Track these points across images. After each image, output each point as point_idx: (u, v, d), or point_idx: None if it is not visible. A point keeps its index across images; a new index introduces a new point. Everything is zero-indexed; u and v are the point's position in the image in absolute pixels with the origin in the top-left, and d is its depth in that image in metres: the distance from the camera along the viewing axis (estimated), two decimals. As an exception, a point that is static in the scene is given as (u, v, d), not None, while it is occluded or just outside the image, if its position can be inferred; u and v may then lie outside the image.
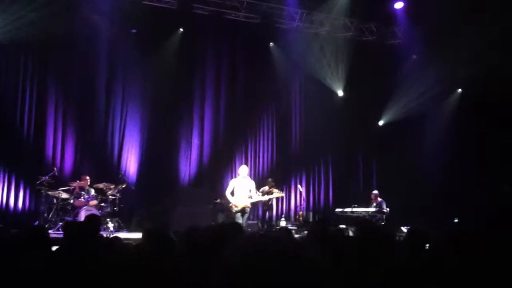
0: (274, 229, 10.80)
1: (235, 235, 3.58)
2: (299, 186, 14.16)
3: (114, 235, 9.68)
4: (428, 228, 5.79)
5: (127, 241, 5.98)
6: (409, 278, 3.42)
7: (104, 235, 6.51)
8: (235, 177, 10.97)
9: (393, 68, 14.86)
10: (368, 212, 11.96)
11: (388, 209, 12.15)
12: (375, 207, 12.21)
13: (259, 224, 11.97)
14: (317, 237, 5.17)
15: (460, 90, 15.44)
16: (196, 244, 3.92)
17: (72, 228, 4.94)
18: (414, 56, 15.09)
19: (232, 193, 10.31)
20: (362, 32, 14.80)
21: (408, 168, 14.34)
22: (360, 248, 3.99)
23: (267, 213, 12.24)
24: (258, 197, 10.61)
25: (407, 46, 14.85)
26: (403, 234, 9.52)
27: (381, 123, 15.67)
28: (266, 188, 11.60)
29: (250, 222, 11.31)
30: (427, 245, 4.64)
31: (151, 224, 11.58)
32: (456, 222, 11.42)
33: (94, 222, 5.16)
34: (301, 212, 13.49)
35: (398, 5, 14.11)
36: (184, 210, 11.59)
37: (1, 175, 11.79)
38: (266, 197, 11.13)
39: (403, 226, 10.51)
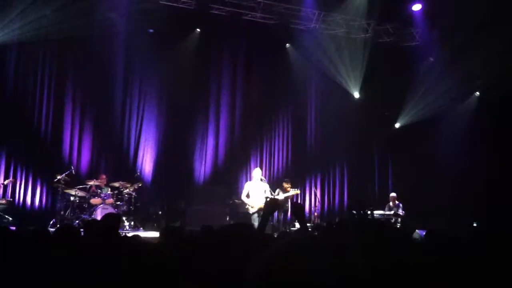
0: (289, 230, 10.75)
1: (248, 236, 3.58)
2: (314, 189, 14.13)
3: (132, 233, 9.78)
4: (446, 231, 5.76)
5: (147, 239, 6.01)
6: (428, 279, 3.39)
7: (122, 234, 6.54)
8: (250, 177, 10.96)
9: (410, 70, 14.77)
10: (383, 215, 11.90)
11: (404, 212, 12.07)
12: (392, 209, 12.15)
13: (274, 226, 11.93)
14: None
15: (477, 93, 15.30)
16: (211, 243, 3.92)
17: (93, 227, 4.98)
18: (431, 58, 14.97)
19: (248, 196, 10.32)
20: (379, 33, 14.71)
21: (424, 171, 14.24)
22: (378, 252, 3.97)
23: (282, 215, 12.21)
24: (274, 196, 10.59)
25: (425, 48, 14.73)
26: (419, 237, 9.46)
27: (397, 125, 15.58)
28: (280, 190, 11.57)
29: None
30: (445, 247, 4.60)
31: (167, 223, 11.69)
32: (475, 226, 11.30)
33: (114, 220, 5.17)
34: (316, 214, 13.43)
35: (416, 7, 14.01)
36: (198, 209, 11.64)
37: (19, 173, 11.91)
38: (282, 196, 11.09)
39: (419, 229, 10.41)
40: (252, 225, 8.01)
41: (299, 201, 14.40)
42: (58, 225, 9.37)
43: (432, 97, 14.46)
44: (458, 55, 13.58)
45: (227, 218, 11.88)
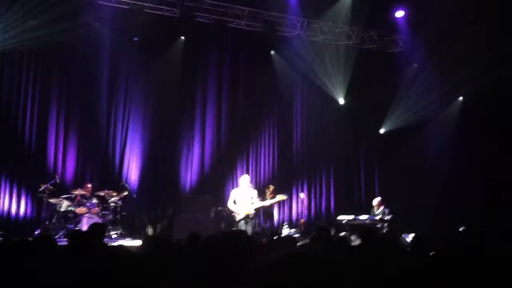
0: (277, 237, 10.72)
1: (243, 245, 3.57)
2: (300, 193, 14.14)
3: (117, 243, 9.71)
4: (432, 236, 5.81)
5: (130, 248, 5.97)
6: (413, 284, 3.42)
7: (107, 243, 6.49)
8: (237, 185, 10.93)
9: (394, 76, 14.93)
10: (369, 219, 11.93)
11: (390, 216, 12.12)
12: (377, 214, 12.18)
13: (261, 233, 11.88)
14: (321, 244, 5.17)
15: (461, 98, 15.47)
16: (199, 252, 3.92)
17: (77, 236, 4.94)
18: (415, 64, 15.14)
19: (235, 203, 10.27)
20: (363, 40, 14.85)
21: (410, 176, 14.35)
22: (364, 256, 4.00)
23: (268, 222, 12.19)
24: (260, 202, 10.54)
25: (408, 54, 14.92)
26: (405, 242, 9.51)
27: (382, 130, 15.69)
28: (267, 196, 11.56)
29: (255, 229, 11.25)
30: (432, 252, 4.64)
31: (153, 232, 11.63)
32: (462, 230, 11.39)
33: (99, 230, 5.15)
34: (302, 220, 13.44)
35: (399, 14, 14.19)
36: (185, 218, 11.59)
37: (3, 183, 11.77)
38: (268, 202, 11.06)
39: (406, 233, 10.48)
40: (244, 231, 8.00)
41: (285, 207, 14.44)
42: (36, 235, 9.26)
43: (417, 103, 14.60)
44: (442, 61, 13.74)
45: (214, 226, 11.83)
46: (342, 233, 11.44)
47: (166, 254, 3.66)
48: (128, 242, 10.36)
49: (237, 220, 10.11)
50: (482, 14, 11.90)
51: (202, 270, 3.24)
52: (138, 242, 10.04)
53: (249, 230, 10.05)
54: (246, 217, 10.04)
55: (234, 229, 9.30)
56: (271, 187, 11.84)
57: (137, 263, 3.14)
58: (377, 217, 12.00)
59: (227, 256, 3.16)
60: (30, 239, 6.50)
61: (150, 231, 11.84)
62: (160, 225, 12.62)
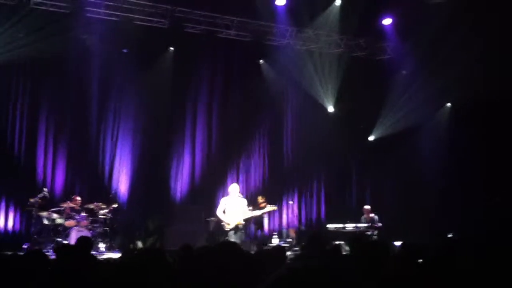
0: (266, 247, 10.69)
1: (235, 258, 3.55)
2: (290, 201, 14.14)
3: (106, 255, 9.63)
4: (421, 242, 5.79)
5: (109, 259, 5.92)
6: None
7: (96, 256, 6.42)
8: (227, 194, 10.90)
9: (383, 83, 14.99)
10: (359, 227, 11.93)
11: (380, 224, 12.14)
12: (367, 222, 12.20)
13: (251, 242, 11.85)
14: (313, 253, 5.15)
15: (449, 104, 15.56)
16: (190, 265, 3.88)
17: (64, 251, 4.89)
18: (404, 71, 15.21)
19: (224, 212, 10.22)
20: (352, 48, 14.91)
21: (400, 182, 14.38)
22: (356, 264, 3.98)
23: (259, 231, 12.17)
24: (250, 212, 10.52)
25: (397, 61, 14.99)
26: (395, 249, 9.50)
27: (371, 138, 15.73)
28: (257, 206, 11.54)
29: (243, 240, 11.21)
30: (420, 260, 4.63)
31: (144, 244, 11.55)
32: (450, 236, 11.40)
33: (85, 243, 5.11)
34: (293, 229, 13.43)
35: (387, 21, 14.27)
36: (177, 229, 11.53)
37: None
38: (258, 212, 11.04)
39: (396, 240, 10.47)
40: (235, 243, 7.96)
41: (275, 217, 14.40)
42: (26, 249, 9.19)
43: (406, 109, 14.65)
44: (430, 67, 13.82)
45: (205, 237, 11.76)
46: (336, 242, 11.43)
47: (155, 267, 3.62)
48: (117, 255, 10.27)
49: (227, 230, 10.06)
50: (470, 18, 11.99)
51: (192, 283, 3.21)
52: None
53: (238, 240, 10.02)
54: (236, 227, 10.01)
55: (225, 240, 9.26)
56: (262, 198, 11.85)
57: (124, 276, 3.11)
58: (367, 225, 12.02)
59: (219, 269, 3.14)
60: (21, 253, 6.45)
61: (139, 244, 11.74)
62: (151, 237, 12.52)
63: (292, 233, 13.31)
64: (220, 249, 3.82)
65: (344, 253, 6.92)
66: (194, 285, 3.10)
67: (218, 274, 3.10)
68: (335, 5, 13.63)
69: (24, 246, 10.27)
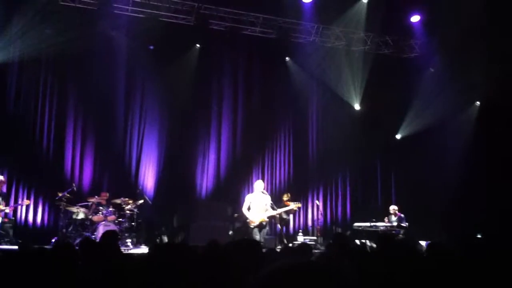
0: (292, 244, 10.68)
1: (252, 254, 3.55)
2: (316, 201, 14.09)
3: (133, 250, 9.74)
4: (449, 243, 5.71)
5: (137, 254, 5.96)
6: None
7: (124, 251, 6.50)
8: (252, 191, 10.93)
9: (410, 81, 14.80)
10: (387, 226, 11.84)
11: (407, 223, 12.01)
12: (394, 221, 12.09)
13: (277, 239, 11.86)
14: (338, 252, 5.11)
15: (478, 102, 15.29)
16: (215, 259, 3.89)
17: (89, 245, 4.93)
18: (432, 69, 14.99)
19: (249, 209, 10.25)
20: (378, 45, 14.75)
21: (426, 182, 14.18)
22: (383, 262, 3.94)
23: (284, 228, 12.15)
24: (274, 211, 10.52)
25: (424, 59, 14.78)
26: (422, 248, 9.39)
27: (398, 136, 15.56)
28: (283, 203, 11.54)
29: (267, 237, 11.23)
30: (448, 259, 4.56)
31: (169, 239, 11.64)
32: (479, 237, 11.20)
33: (111, 238, 5.15)
34: (318, 227, 13.37)
35: (415, 19, 14.09)
36: (202, 225, 11.60)
37: (20, 191, 11.90)
38: (282, 210, 11.02)
39: (422, 240, 10.35)
40: (257, 241, 7.98)
41: (301, 214, 14.36)
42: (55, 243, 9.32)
43: (433, 107, 14.43)
44: (458, 65, 13.59)
45: (230, 233, 11.82)
46: (360, 240, 11.38)
47: (178, 261, 3.63)
48: (143, 250, 10.39)
49: (251, 227, 10.09)
50: (497, 16, 11.75)
51: (211, 278, 3.22)
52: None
53: (262, 237, 10.05)
54: (260, 225, 10.03)
55: (246, 238, 9.27)
56: (288, 194, 11.83)
57: (148, 270, 3.13)
58: (394, 224, 11.92)
59: (237, 265, 3.14)
60: (48, 247, 6.54)
61: (165, 238, 11.85)
62: (176, 232, 12.63)
63: (317, 231, 13.26)
64: (239, 247, 3.83)
65: (369, 251, 6.88)
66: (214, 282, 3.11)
67: (236, 271, 3.10)
68: (362, 1, 13.49)
69: (53, 240, 10.45)
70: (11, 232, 10.57)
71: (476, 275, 3.44)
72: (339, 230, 13.93)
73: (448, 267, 4.37)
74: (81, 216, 10.96)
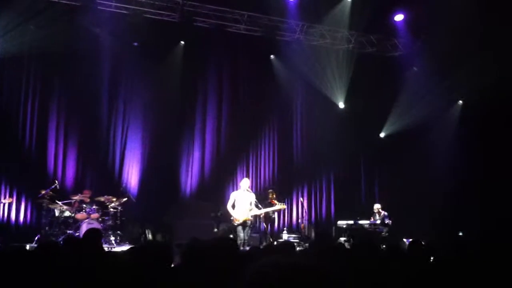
0: (276, 242, 10.70)
1: (229, 252, 3.56)
2: (301, 199, 14.14)
3: (117, 248, 9.69)
4: (431, 241, 5.77)
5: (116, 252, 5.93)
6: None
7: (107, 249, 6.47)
8: (237, 189, 10.92)
9: (394, 79, 14.88)
10: (370, 224, 11.92)
11: (390, 221, 12.11)
12: (378, 219, 12.19)
13: (261, 237, 11.88)
14: (320, 250, 5.15)
15: (461, 101, 15.45)
16: (196, 257, 3.89)
17: (73, 243, 4.91)
18: (415, 68, 15.10)
19: (233, 206, 10.24)
20: (362, 44, 14.83)
21: (410, 180, 14.29)
22: (355, 260, 3.97)
23: (269, 226, 12.17)
24: (259, 210, 10.54)
25: (408, 58, 14.89)
26: (405, 246, 9.48)
27: (382, 134, 15.66)
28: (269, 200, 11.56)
29: (252, 235, 11.24)
30: (432, 257, 4.62)
31: (153, 237, 11.59)
32: (461, 235, 11.36)
33: (94, 236, 5.12)
34: (303, 225, 13.42)
35: (398, 17, 14.18)
36: (187, 222, 11.57)
37: (2, 188, 11.77)
38: (267, 210, 11.04)
39: (405, 238, 10.46)
40: (233, 239, 7.99)
41: (286, 212, 14.40)
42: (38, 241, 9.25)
43: (417, 106, 14.53)
44: (442, 64, 13.70)
45: (215, 231, 11.81)
46: (342, 239, 11.45)
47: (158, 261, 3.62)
48: (127, 248, 10.33)
49: (235, 225, 10.09)
50: (482, 14, 11.86)
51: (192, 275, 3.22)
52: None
53: (247, 235, 10.05)
54: (244, 223, 10.03)
55: (225, 236, 9.27)
56: (272, 193, 11.85)
57: (129, 269, 3.12)
58: (377, 222, 12.01)
59: (216, 263, 3.15)
60: (30, 246, 6.49)
61: (149, 236, 11.80)
62: (161, 230, 12.58)
63: (302, 229, 13.31)
64: (217, 245, 3.84)
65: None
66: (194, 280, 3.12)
67: (215, 270, 3.11)
68: (346, 0, 13.55)
69: (35, 238, 10.36)
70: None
71: (457, 271, 3.48)
72: (323, 228, 14.00)
73: (429, 264, 4.42)
74: (64, 214, 10.87)
